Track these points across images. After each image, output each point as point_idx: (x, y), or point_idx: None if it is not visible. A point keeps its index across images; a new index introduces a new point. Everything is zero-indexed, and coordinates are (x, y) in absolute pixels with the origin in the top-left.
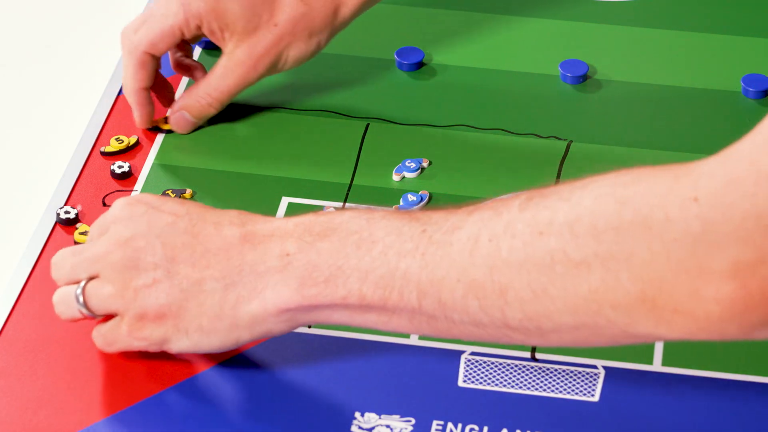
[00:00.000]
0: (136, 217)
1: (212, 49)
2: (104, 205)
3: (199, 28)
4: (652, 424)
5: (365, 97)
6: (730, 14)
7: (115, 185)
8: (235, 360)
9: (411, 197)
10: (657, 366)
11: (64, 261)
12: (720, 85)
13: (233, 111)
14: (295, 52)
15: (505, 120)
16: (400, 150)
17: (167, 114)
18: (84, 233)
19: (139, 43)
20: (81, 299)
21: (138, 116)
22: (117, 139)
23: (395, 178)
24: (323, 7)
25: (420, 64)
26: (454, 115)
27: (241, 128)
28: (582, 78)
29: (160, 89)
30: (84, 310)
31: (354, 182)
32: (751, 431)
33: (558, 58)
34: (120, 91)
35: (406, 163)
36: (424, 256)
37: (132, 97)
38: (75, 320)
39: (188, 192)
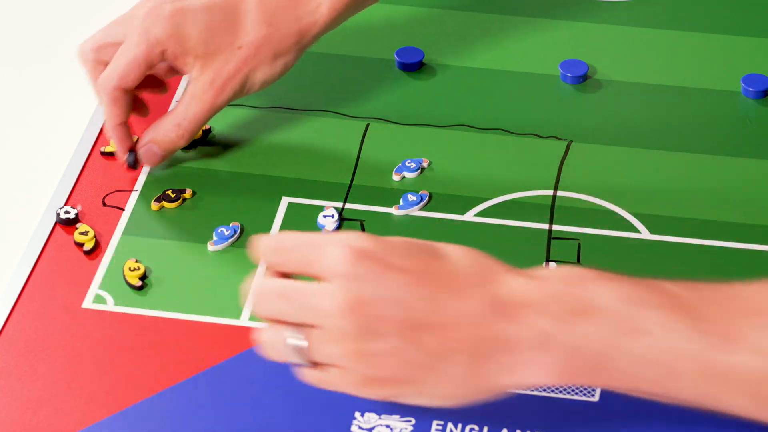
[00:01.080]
0: (365, 276)
1: None
2: (104, 205)
3: (162, 54)
4: (652, 424)
5: (365, 97)
6: (730, 14)
7: (115, 185)
8: (235, 360)
9: (411, 197)
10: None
11: (270, 294)
12: (720, 85)
13: (234, 111)
14: (261, 75)
15: (505, 120)
16: (400, 150)
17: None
18: (84, 233)
19: (109, 80)
20: (302, 353)
21: (119, 150)
22: None
23: (395, 178)
24: (288, 28)
25: (420, 64)
26: (454, 115)
27: (241, 128)
28: (582, 78)
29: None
30: (301, 360)
31: (354, 182)
32: (751, 431)
33: (558, 58)
34: None
35: (406, 163)
36: (705, 367)
37: (111, 132)
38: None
39: (188, 192)
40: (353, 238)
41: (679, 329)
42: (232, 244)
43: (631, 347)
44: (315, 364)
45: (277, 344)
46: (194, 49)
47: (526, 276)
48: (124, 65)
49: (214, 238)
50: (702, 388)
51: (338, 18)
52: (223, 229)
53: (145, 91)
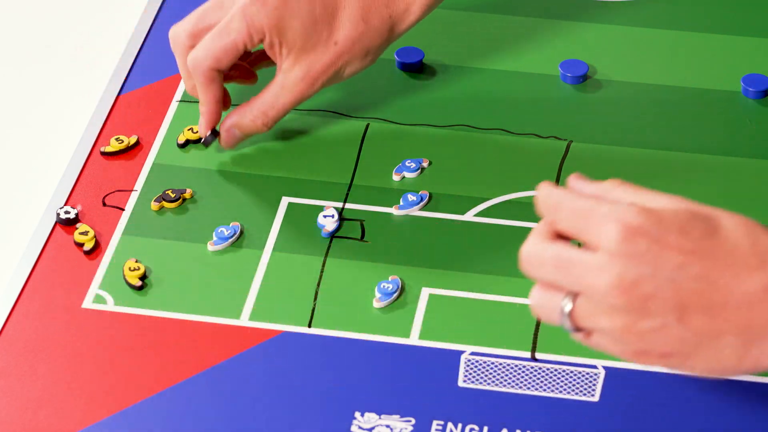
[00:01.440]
0: (639, 255)
1: None
2: (104, 205)
3: (261, 41)
4: (652, 424)
5: (365, 97)
6: (730, 14)
7: (115, 185)
8: (235, 360)
9: (411, 197)
10: (657, 366)
11: (541, 262)
12: (720, 85)
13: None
14: (351, 69)
15: (505, 120)
16: (400, 150)
17: (216, 127)
18: (84, 233)
19: (204, 60)
20: (569, 323)
21: (202, 129)
22: (117, 139)
23: (395, 178)
24: (381, 24)
25: (420, 64)
26: (454, 115)
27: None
28: (582, 78)
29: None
30: (568, 325)
31: (354, 182)
32: (751, 431)
33: (558, 58)
34: (120, 91)
35: (406, 163)
36: None
37: (204, 110)
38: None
39: (188, 192)
40: (628, 214)
41: None
42: (232, 244)
43: None
44: (580, 330)
45: (547, 307)
46: (292, 41)
47: None
48: (221, 47)
49: (214, 238)
50: None
51: (425, 15)
52: (223, 229)
53: (233, 81)
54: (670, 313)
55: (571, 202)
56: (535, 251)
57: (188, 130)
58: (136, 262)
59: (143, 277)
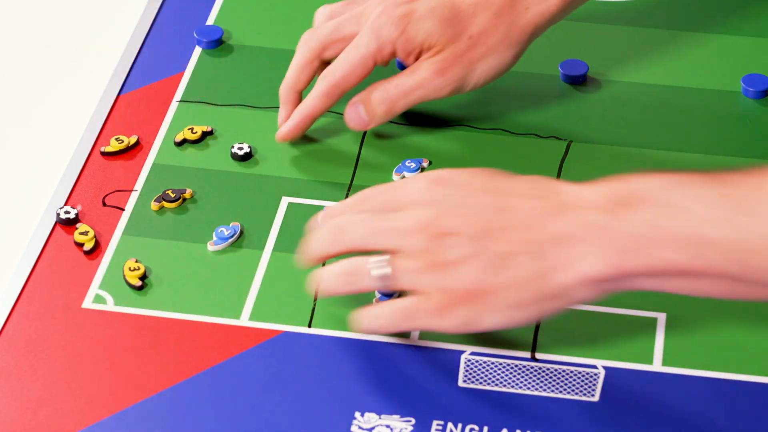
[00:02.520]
0: (440, 198)
1: (212, 49)
2: (104, 205)
3: (392, 54)
4: (652, 424)
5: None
6: (730, 14)
7: (115, 185)
8: (235, 360)
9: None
10: (657, 366)
11: (353, 227)
12: (720, 85)
13: (234, 111)
14: (487, 65)
15: (505, 120)
16: (400, 150)
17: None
18: (84, 233)
19: (332, 75)
20: (386, 274)
21: (287, 132)
22: (117, 139)
23: (395, 178)
24: (517, 16)
25: None
26: (454, 115)
27: (241, 128)
28: (582, 78)
29: None
30: (382, 284)
31: (354, 182)
32: (751, 431)
33: (558, 58)
34: (120, 91)
35: (406, 163)
36: (734, 222)
37: (298, 117)
38: (346, 292)
39: (188, 192)
40: (426, 172)
41: (715, 200)
42: (232, 244)
43: (672, 225)
44: (391, 297)
45: (358, 270)
46: (425, 43)
47: (579, 184)
48: (350, 63)
49: (214, 238)
50: (736, 255)
51: (567, 7)
52: (223, 229)
53: None
54: (472, 243)
55: (377, 187)
56: (343, 217)
57: (188, 129)
58: (136, 262)
59: (143, 277)
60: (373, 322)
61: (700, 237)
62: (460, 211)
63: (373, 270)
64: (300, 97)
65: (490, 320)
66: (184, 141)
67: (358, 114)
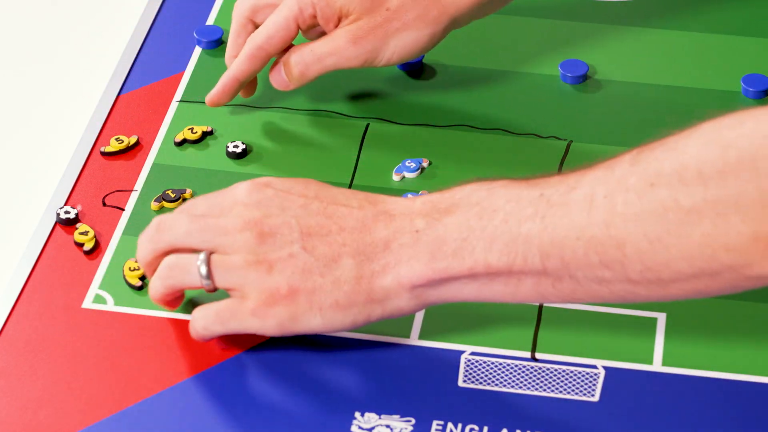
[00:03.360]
0: (265, 200)
1: (212, 49)
2: (104, 205)
3: (313, 17)
4: (652, 424)
5: (365, 97)
6: (730, 14)
7: (115, 185)
8: (235, 360)
9: (411, 197)
10: (657, 366)
11: (175, 223)
12: (720, 85)
13: (234, 111)
14: (403, 40)
15: (505, 120)
16: (400, 150)
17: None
18: (84, 233)
19: (257, 36)
20: (205, 269)
21: (213, 96)
22: (117, 139)
23: (395, 178)
24: None
25: (420, 64)
26: (454, 115)
27: (241, 128)
28: (582, 78)
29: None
30: (205, 281)
31: (354, 182)
32: (751, 431)
33: (558, 58)
34: (120, 91)
35: (406, 163)
36: (544, 219)
37: (223, 80)
38: (169, 293)
39: (188, 192)
40: (255, 179)
41: (530, 200)
42: None
43: (486, 226)
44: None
45: (182, 266)
46: (344, 9)
47: (411, 198)
48: (274, 24)
49: None
50: (552, 251)
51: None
52: None
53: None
54: (296, 243)
55: (205, 197)
56: (165, 216)
57: (188, 129)
58: (136, 262)
59: (143, 277)
60: (196, 324)
61: (515, 235)
62: (286, 213)
63: (191, 265)
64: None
65: (310, 321)
66: (184, 141)
67: (280, 75)
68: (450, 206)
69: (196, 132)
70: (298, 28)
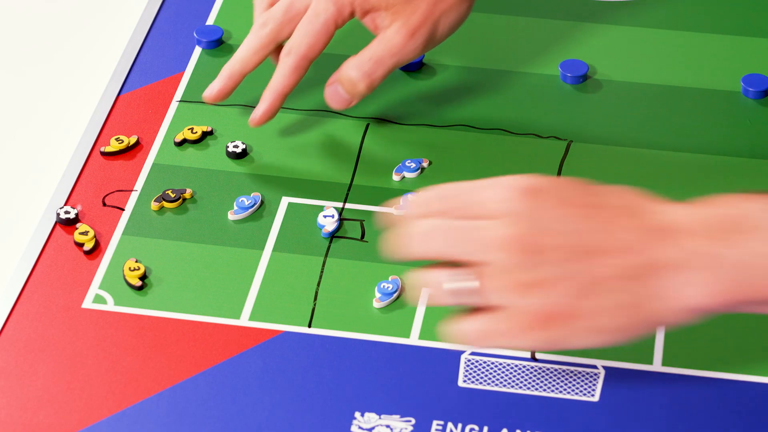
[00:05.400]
0: (535, 211)
1: (212, 49)
2: (104, 205)
3: (351, 14)
4: (652, 424)
5: (365, 97)
6: (730, 14)
7: (115, 185)
8: (235, 360)
9: (411, 197)
10: (657, 366)
11: (436, 232)
12: (720, 85)
13: (234, 111)
14: (448, 19)
15: (505, 120)
16: (400, 150)
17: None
18: (84, 233)
19: (299, 46)
20: (469, 294)
21: (261, 114)
22: (117, 139)
23: (395, 178)
24: None
25: (420, 64)
26: (454, 115)
27: (241, 128)
28: (582, 78)
29: None
30: (465, 302)
31: (354, 182)
32: (751, 431)
33: (558, 58)
34: (120, 91)
35: (406, 163)
36: None
37: (270, 96)
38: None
39: (188, 192)
40: (513, 178)
41: None
42: (251, 215)
43: None
44: (476, 311)
45: (440, 287)
46: (382, 2)
47: (670, 203)
48: (314, 33)
49: (235, 207)
50: None
51: None
52: (244, 199)
53: None
54: (563, 263)
55: (457, 186)
56: (425, 224)
57: (188, 129)
58: (136, 262)
59: (143, 277)
60: (457, 339)
61: None
62: (552, 228)
63: (455, 283)
64: (241, 79)
65: (578, 343)
66: (184, 141)
67: (338, 94)
68: (735, 226)
69: (196, 132)
70: (337, 28)
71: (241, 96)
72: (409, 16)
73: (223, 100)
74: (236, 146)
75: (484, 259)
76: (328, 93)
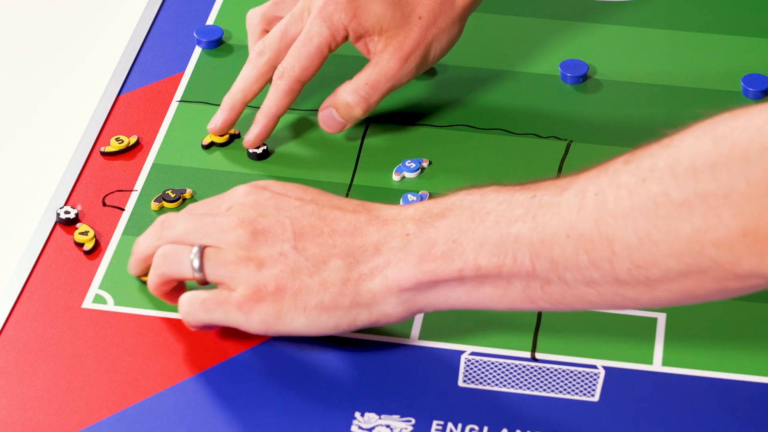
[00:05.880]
0: (262, 201)
1: (212, 49)
2: (104, 205)
3: (345, 38)
4: (652, 424)
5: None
6: (730, 14)
7: (115, 185)
8: (235, 360)
9: (411, 197)
10: (657, 366)
11: (176, 221)
12: (720, 85)
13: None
14: (440, 42)
15: (505, 120)
16: (400, 150)
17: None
18: (84, 233)
19: (292, 69)
20: (197, 261)
21: (255, 136)
22: (117, 139)
23: (395, 178)
24: None
25: None
26: (454, 115)
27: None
28: (582, 78)
29: None
30: (197, 274)
31: (354, 182)
32: (751, 431)
33: (558, 58)
34: (120, 91)
35: (406, 163)
36: (535, 219)
37: (263, 119)
38: (163, 282)
39: (188, 192)
40: (254, 182)
41: (521, 202)
42: None
43: (476, 227)
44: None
45: (175, 256)
46: (376, 27)
47: (408, 205)
48: (307, 56)
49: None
50: (541, 251)
51: None
52: None
53: None
54: (287, 242)
55: (204, 201)
56: (167, 216)
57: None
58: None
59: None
60: (181, 309)
61: (504, 236)
62: (280, 213)
63: (185, 256)
64: (243, 109)
65: (294, 321)
66: (212, 144)
67: (333, 119)
68: (442, 210)
69: (224, 135)
70: (330, 51)
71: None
72: (402, 41)
73: (228, 131)
74: (257, 146)
75: (216, 241)
76: (322, 117)
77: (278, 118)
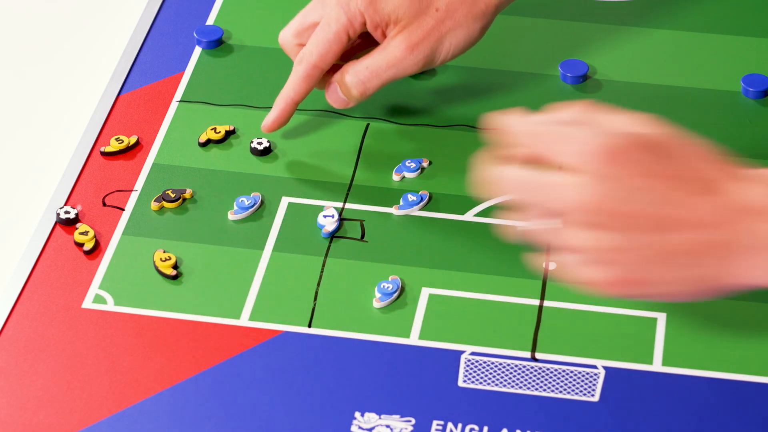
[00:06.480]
0: (613, 177)
1: (212, 49)
2: (104, 205)
3: (363, 25)
4: (652, 424)
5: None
6: (730, 14)
7: (115, 185)
8: (235, 360)
9: (411, 197)
10: (657, 366)
11: (519, 182)
12: (720, 85)
13: (234, 111)
14: (456, 38)
15: None
16: (400, 150)
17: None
18: (84, 233)
19: (310, 56)
20: (554, 235)
21: (272, 121)
22: (117, 139)
23: (395, 178)
24: None
25: None
26: (454, 115)
27: (240, 128)
28: (582, 78)
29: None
30: (548, 226)
31: (354, 182)
32: (751, 431)
33: (558, 58)
34: (120, 91)
35: (406, 163)
36: None
37: (281, 103)
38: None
39: (188, 192)
40: (603, 136)
41: None
42: (251, 214)
43: None
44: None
45: (542, 190)
46: (393, 15)
47: (756, 182)
48: (325, 41)
49: (235, 207)
50: None
51: None
52: (244, 199)
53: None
54: (639, 233)
55: (550, 127)
56: (510, 175)
57: (211, 129)
58: (165, 252)
59: (176, 266)
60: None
61: None
62: (630, 198)
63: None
64: (293, 107)
65: (655, 297)
66: (209, 141)
67: (336, 93)
68: None
69: (219, 132)
70: (349, 39)
71: (241, 96)
72: (413, 30)
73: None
74: (260, 143)
75: (566, 213)
76: (328, 91)
77: (296, 103)
